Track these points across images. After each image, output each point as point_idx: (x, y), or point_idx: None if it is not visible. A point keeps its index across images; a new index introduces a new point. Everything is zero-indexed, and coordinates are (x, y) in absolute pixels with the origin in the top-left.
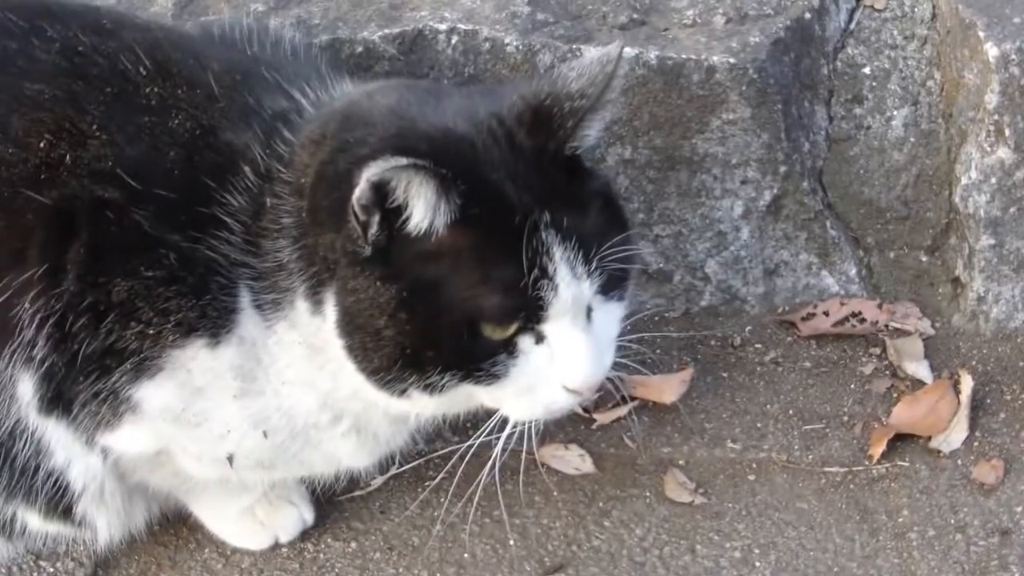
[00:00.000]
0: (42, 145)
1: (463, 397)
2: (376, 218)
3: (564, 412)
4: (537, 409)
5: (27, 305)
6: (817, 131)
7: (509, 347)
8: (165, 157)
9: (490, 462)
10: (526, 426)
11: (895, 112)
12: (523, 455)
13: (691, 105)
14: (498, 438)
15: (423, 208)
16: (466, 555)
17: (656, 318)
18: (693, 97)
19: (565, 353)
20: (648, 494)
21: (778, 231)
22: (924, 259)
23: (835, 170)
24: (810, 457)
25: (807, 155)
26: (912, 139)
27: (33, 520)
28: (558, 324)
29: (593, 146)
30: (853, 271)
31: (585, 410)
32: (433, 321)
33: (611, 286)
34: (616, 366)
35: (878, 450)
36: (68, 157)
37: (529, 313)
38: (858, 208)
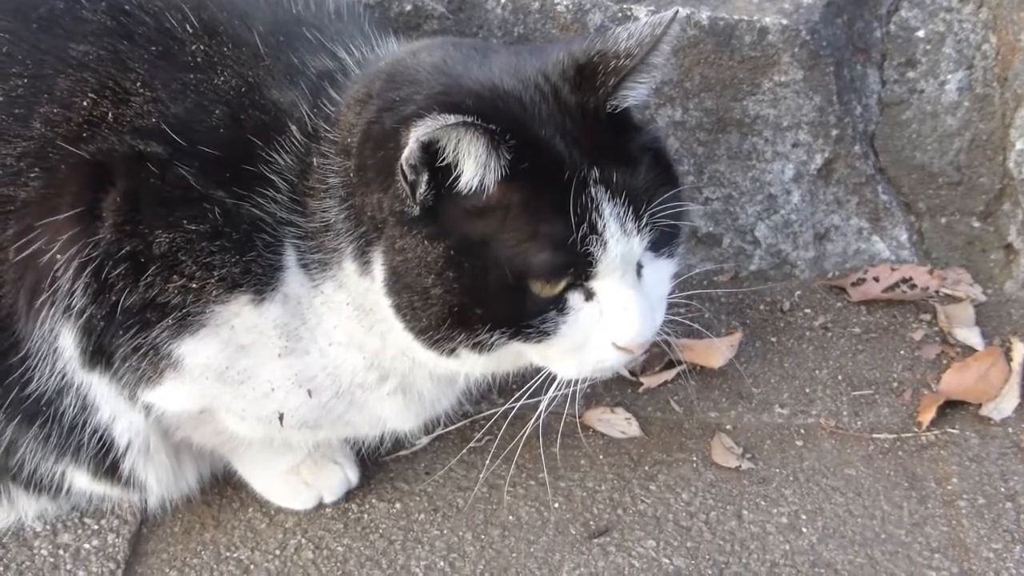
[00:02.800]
0: (86, 104)
1: (512, 356)
2: (425, 177)
3: (613, 371)
4: (586, 367)
5: (59, 251)
6: (869, 95)
7: (559, 304)
8: (210, 114)
9: (532, 420)
10: (570, 388)
11: (949, 76)
12: (568, 418)
13: (743, 66)
14: (566, 393)
15: (474, 166)
16: (510, 517)
17: (705, 282)
18: (745, 58)
19: (615, 310)
20: (695, 458)
21: (829, 195)
22: (976, 225)
23: (887, 134)
24: (859, 423)
25: (859, 119)
26: (966, 103)
27: (81, 479)
28: (608, 281)
29: (641, 105)
30: (904, 236)
31: (632, 373)
32: (481, 279)
33: (662, 243)
34: (666, 325)
35: (927, 417)
36: (111, 115)
37: (578, 270)
38: (910, 173)
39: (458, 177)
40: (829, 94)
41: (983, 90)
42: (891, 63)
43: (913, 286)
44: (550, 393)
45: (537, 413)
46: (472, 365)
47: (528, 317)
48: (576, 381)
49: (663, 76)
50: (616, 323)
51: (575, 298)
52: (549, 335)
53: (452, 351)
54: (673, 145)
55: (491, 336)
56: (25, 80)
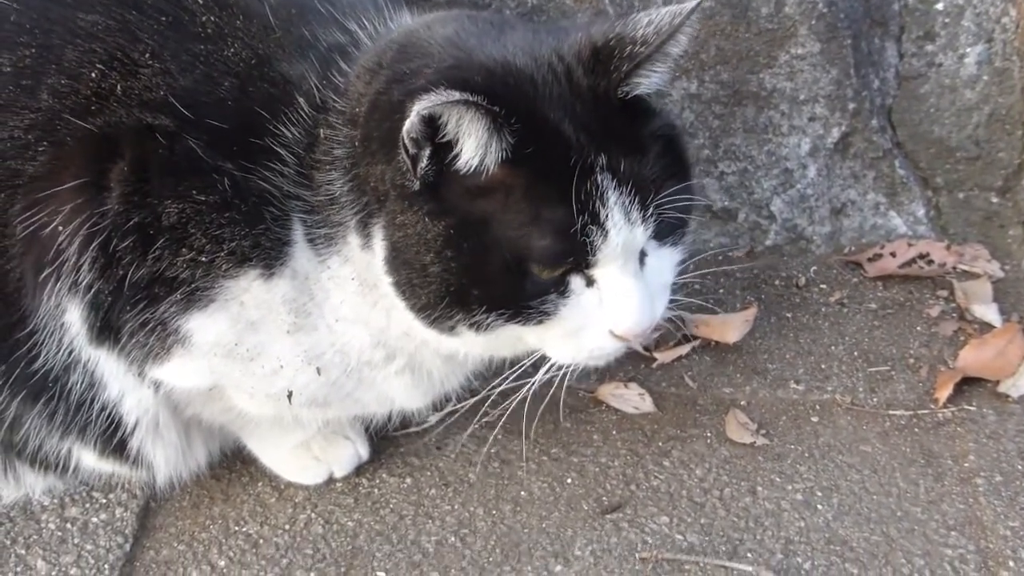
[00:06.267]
0: (94, 76)
1: (511, 337)
2: (426, 152)
3: (609, 359)
4: (581, 353)
5: (62, 223)
6: (887, 68)
7: (560, 286)
8: (219, 86)
9: (518, 395)
10: (563, 372)
11: (968, 49)
12: (581, 393)
13: (759, 39)
14: (556, 375)
15: (474, 145)
16: (522, 492)
17: (720, 256)
18: (761, 31)
19: (614, 298)
20: (709, 434)
21: (845, 169)
22: (995, 200)
23: (905, 108)
24: (875, 400)
25: (876, 92)
26: (985, 77)
27: (88, 457)
28: (609, 269)
29: (656, 94)
30: (921, 212)
31: (646, 349)
32: (480, 259)
33: (667, 232)
34: (679, 306)
35: (944, 394)
36: (119, 87)
37: (578, 258)
38: (928, 147)
39: (457, 155)
40: (846, 67)
41: (1002, 64)
42: (909, 36)
43: (930, 262)
44: (539, 374)
45: (529, 386)
46: (471, 344)
47: (528, 299)
48: (569, 368)
49: (678, 48)
50: (615, 311)
51: (576, 282)
52: (549, 315)
53: (451, 329)
54: (688, 118)
55: (487, 316)
56: (33, 50)
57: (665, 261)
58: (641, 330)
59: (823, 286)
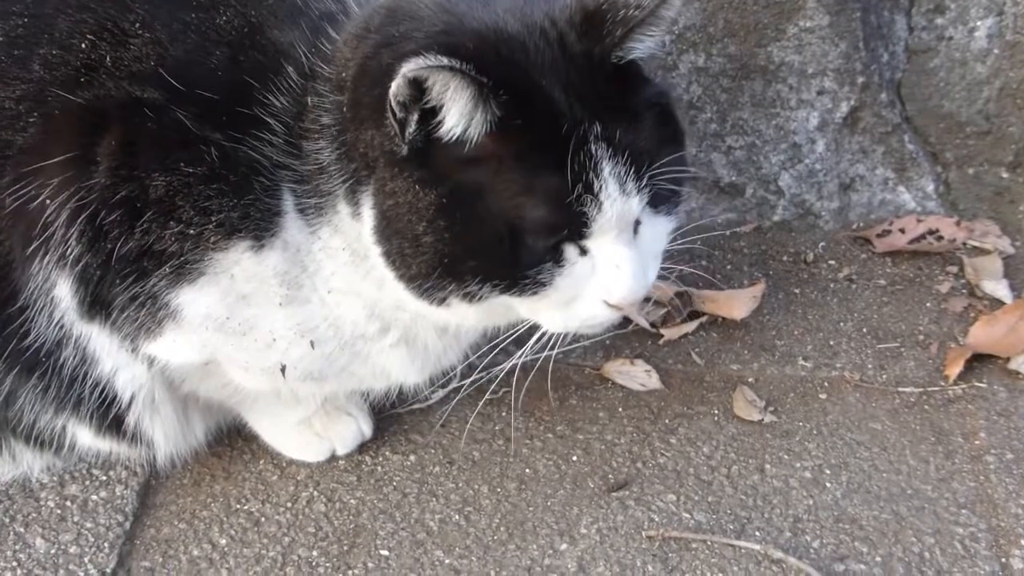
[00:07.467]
0: (84, 47)
1: (503, 307)
2: (414, 117)
3: (601, 328)
4: (573, 322)
5: (50, 196)
6: (896, 42)
7: (555, 255)
8: (211, 56)
9: (516, 356)
10: (556, 347)
11: (979, 23)
12: (587, 370)
13: (767, 11)
14: (562, 352)
15: (456, 114)
16: (527, 470)
17: (727, 232)
18: (770, 3)
19: (607, 269)
20: (716, 411)
21: (854, 144)
22: (1005, 176)
23: (914, 82)
24: (884, 376)
25: (885, 66)
26: (996, 51)
27: (84, 435)
28: (602, 240)
29: (648, 58)
30: (931, 187)
31: (653, 325)
32: (474, 229)
33: (661, 201)
34: (684, 280)
35: (954, 370)
36: (108, 58)
37: (572, 230)
38: (937, 122)
39: (440, 123)
40: (855, 40)
41: (1013, 37)
42: (919, 9)
43: (940, 238)
44: (530, 343)
45: (519, 354)
46: (463, 316)
47: (523, 268)
48: (560, 336)
49: (686, 21)
50: (608, 281)
51: (570, 251)
52: (545, 286)
53: (443, 300)
54: (696, 92)
55: (481, 288)
56: (25, 20)
57: (659, 229)
58: (634, 299)
59: (831, 262)
